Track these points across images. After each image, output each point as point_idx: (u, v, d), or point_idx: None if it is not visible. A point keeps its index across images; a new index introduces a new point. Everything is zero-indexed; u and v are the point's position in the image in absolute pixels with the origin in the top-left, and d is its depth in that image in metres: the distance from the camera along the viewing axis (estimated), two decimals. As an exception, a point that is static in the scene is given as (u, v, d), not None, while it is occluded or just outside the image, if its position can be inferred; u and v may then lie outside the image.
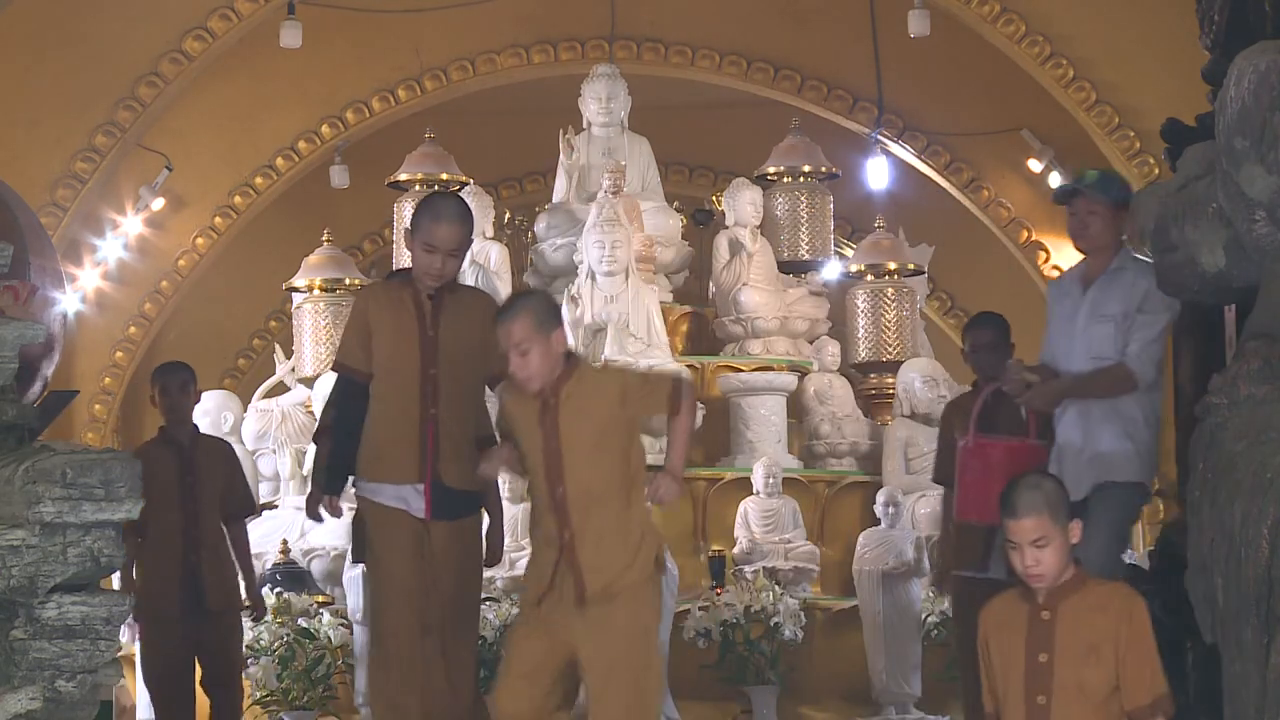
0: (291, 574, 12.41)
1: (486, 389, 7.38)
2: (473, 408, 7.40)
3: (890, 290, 14.32)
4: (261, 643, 11.47)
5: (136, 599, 9.28)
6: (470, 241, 7.42)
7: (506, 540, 9.20)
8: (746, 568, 12.51)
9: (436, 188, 14.68)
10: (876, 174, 16.13)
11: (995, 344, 8.45)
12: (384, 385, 7.29)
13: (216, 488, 9.29)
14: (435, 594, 7.20)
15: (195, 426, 9.60)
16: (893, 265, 14.40)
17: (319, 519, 7.59)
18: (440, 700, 7.28)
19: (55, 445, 6.12)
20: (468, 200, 13.63)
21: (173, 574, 9.11)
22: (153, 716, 9.46)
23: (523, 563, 8.93)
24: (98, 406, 16.19)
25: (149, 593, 9.15)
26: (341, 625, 11.70)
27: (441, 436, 7.26)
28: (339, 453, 7.40)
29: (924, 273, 14.83)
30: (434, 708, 7.26)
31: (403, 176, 14.88)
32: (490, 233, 14.00)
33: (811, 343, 13.92)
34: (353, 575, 11.56)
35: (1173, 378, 7.80)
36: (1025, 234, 16.59)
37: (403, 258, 14.93)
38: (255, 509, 10.39)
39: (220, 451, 9.58)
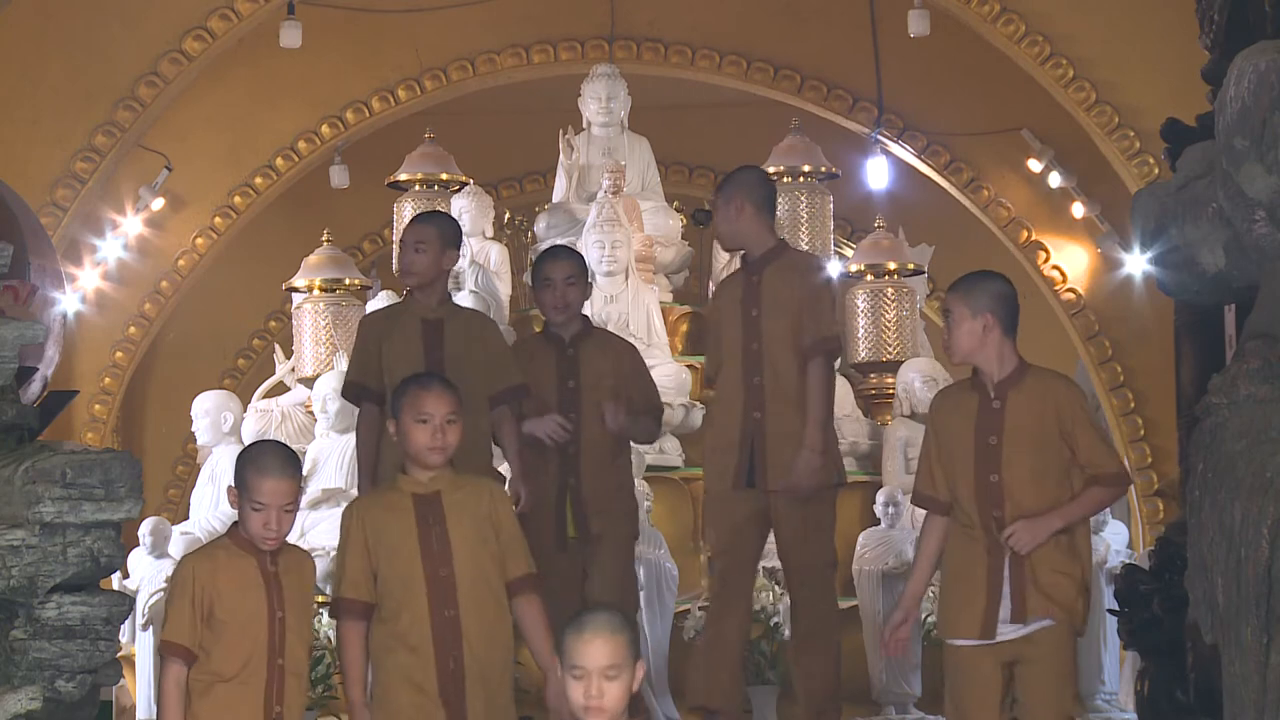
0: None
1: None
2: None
3: (890, 290, 14.31)
4: (261, 643, 11.47)
5: None
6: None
7: None
8: (746, 568, 12.50)
9: (437, 187, 14.71)
10: (876, 174, 16.12)
11: None
12: None
13: (606, 394, 8.20)
14: None
15: (586, 320, 8.41)
16: (893, 265, 14.38)
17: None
18: None
19: (55, 445, 6.12)
20: (468, 200, 13.77)
21: (545, 497, 8.17)
22: None
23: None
24: (98, 406, 16.18)
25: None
26: (341, 625, 11.69)
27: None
28: None
29: (924, 273, 14.82)
30: None
31: (403, 176, 14.88)
32: (490, 233, 13.99)
33: (811, 343, 13.91)
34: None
35: (1176, 378, 7.81)
36: (1025, 234, 16.58)
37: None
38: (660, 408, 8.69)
39: (616, 349, 8.38)
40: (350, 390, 8.22)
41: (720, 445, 8.13)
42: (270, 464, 6.17)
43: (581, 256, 8.54)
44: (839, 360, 13.95)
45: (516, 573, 6.38)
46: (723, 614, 8.15)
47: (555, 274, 8.24)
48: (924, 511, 12.53)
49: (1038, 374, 6.55)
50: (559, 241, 11.59)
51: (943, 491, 6.58)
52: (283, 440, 14.02)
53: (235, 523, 6.25)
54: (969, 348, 6.49)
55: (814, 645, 8.16)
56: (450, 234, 8.20)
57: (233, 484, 6.22)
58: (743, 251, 8.25)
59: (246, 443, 13.85)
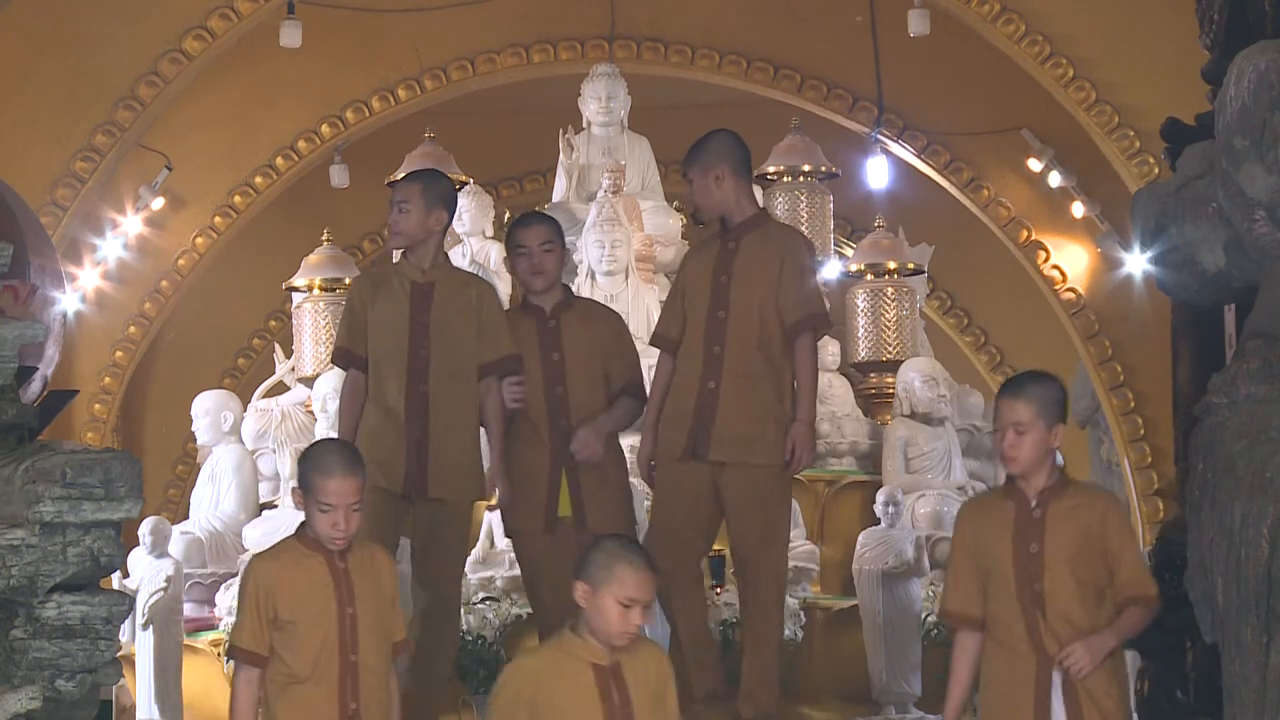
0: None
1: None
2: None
3: (890, 289, 14.32)
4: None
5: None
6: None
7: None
8: (746, 567, 12.50)
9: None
10: (876, 174, 16.12)
11: None
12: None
13: (597, 366, 7.87)
14: None
15: (567, 289, 8.08)
16: (892, 265, 14.39)
17: None
18: None
19: (55, 445, 6.12)
20: (467, 200, 13.76)
21: (537, 481, 7.85)
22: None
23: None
24: (98, 406, 16.18)
25: (510, 501, 7.84)
26: (341, 625, 11.68)
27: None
28: None
29: (924, 272, 14.83)
30: None
31: (402, 176, 14.88)
32: (490, 233, 14.00)
33: (811, 342, 13.89)
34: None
35: (1172, 378, 7.81)
36: (1025, 233, 16.58)
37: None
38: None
39: (597, 318, 8.08)
40: (339, 356, 7.90)
41: (671, 415, 7.73)
42: (334, 464, 6.22)
43: (557, 222, 8.11)
44: (838, 360, 14.01)
45: None
46: (678, 610, 7.77)
47: (530, 240, 7.87)
48: (925, 510, 12.64)
49: (1079, 487, 6.23)
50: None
51: (977, 608, 6.18)
52: (282, 440, 14.13)
53: (302, 523, 6.30)
54: (1034, 459, 6.10)
55: (753, 637, 7.81)
56: (436, 192, 7.84)
57: (296, 485, 6.30)
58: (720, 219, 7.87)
59: (248, 443, 13.90)
